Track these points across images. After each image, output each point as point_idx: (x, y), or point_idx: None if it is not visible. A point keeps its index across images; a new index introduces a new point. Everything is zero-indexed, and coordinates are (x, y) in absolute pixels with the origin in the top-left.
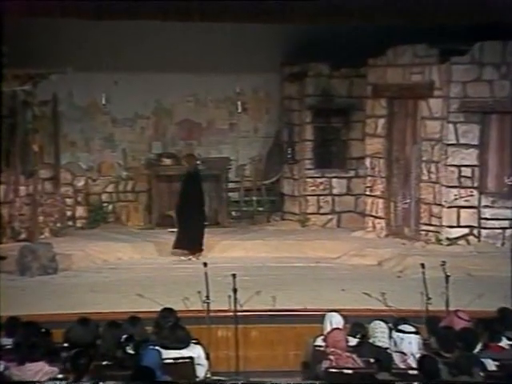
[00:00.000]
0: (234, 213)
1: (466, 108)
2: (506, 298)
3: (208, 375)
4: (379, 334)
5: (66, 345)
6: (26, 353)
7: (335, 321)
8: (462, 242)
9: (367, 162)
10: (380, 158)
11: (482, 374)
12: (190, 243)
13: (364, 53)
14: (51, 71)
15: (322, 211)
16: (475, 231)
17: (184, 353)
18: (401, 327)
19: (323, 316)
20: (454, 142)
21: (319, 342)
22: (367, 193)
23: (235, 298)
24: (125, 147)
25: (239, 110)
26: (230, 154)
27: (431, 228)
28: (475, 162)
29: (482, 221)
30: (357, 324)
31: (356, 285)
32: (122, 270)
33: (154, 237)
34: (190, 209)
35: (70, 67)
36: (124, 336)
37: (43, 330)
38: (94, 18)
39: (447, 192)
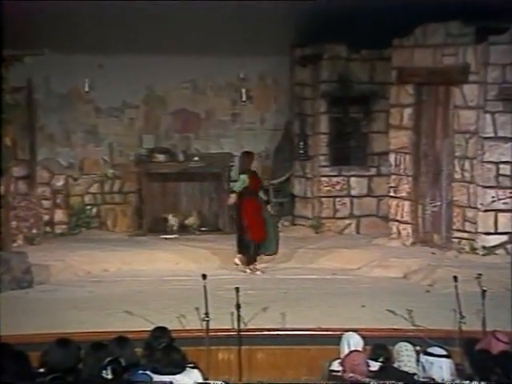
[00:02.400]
0: None
1: (506, 95)
2: None
3: None
4: (405, 357)
5: (42, 370)
6: None
7: (354, 342)
8: (500, 251)
9: (391, 158)
10: (406, 153)
11: None
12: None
13: (388, 32)
14: (26, 53)
15: (338, 215)
16: None
17: (179, 378)
18: (430, 350)
19: (340, 336)
20: (491, 134)
21: (335, 366)
22: (391, 194)
23: (238, 316)
24: (111, 141)
25: (243, 99)
26: (232, 150)
27: (465, 235)
28: None
29: None
30: (379, 346)
31: (378, 300)
32: (109, 284)
33: (146, 245)
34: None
35: (48, 48)
36: (107, 359)
37: (20, 353)
38: None
39: (483, 193)
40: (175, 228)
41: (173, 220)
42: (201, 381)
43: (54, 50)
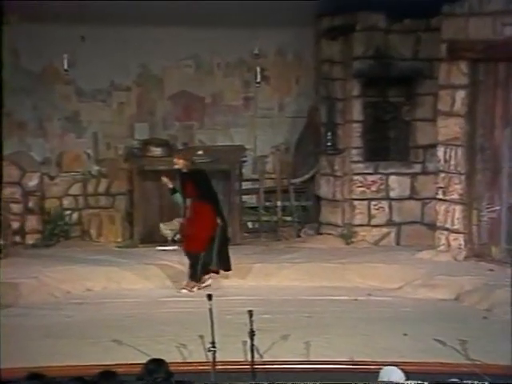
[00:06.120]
0: (250, 224)
1: None
2: None
3: None
4: None
5: None
6: None
7: (395, 378)
8: None
9: (440, 151)
10: (458, 146)
11: None
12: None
13: None
14: None
15: (374, 222)
16: None
17: None
18: None
19: (377, 371)
20: None
21: None
22: (439, 196)
23: (252, 345)
24: (96, 131)
25: (258, 79)
26: (244, 142)
27: None
28: None
29: None
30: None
31: (423, 328)
32: (92, 306)
33: (138, 258)
34: None
35: (16, 15)
36: None
37: None
38: None
39: None
40: (170, 238)
41: (165, 228)
42: None
43: (25, 18)
